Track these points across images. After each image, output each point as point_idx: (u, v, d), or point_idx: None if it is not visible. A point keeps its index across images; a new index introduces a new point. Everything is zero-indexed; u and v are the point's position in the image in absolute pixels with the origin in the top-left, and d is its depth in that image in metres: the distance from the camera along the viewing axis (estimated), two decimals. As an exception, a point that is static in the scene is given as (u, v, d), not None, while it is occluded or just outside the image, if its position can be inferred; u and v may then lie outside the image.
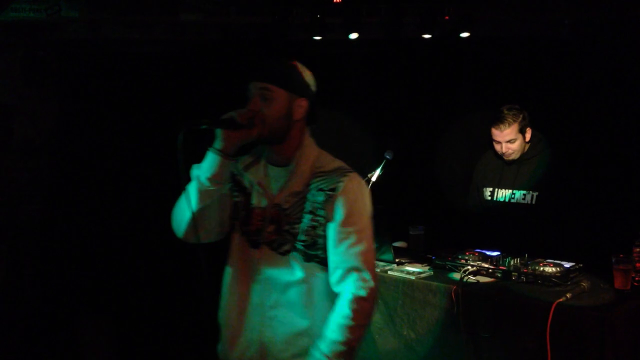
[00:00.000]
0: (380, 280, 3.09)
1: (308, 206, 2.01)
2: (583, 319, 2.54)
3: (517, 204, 3.48)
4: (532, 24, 4.35)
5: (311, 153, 2.08)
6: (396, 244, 3.44)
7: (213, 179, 1.95)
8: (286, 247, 2.02)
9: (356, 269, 1.97)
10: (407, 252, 3.43)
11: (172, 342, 4.33)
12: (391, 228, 3.20)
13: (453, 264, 3.04)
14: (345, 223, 1.98)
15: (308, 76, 2.07)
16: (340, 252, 1.98)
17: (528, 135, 3.48)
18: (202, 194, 1.97)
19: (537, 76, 4.37)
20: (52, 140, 4.36)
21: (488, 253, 3.05)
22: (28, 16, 3.71)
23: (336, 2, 4.00)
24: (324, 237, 2.01)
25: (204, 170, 1.96)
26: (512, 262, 2.97)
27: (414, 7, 4.09)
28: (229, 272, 2.10)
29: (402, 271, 3.07)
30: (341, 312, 1.95)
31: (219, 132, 1.95)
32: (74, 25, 4.03)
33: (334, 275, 2.00)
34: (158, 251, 4.48)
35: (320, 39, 4.19)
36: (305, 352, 1.99)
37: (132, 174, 4.52)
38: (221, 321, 2.10)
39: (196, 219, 1.97)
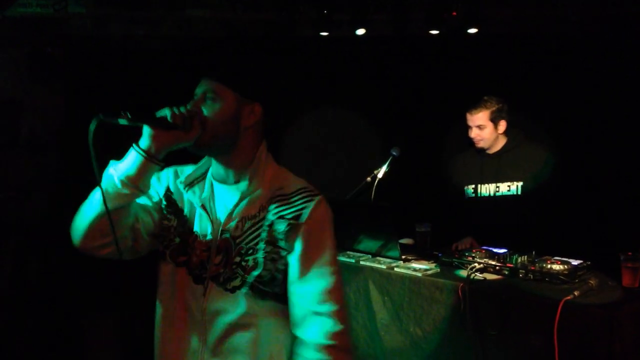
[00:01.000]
0: (387, 276, 3.09)
1: (265, 235, 1.70)
2: (591, 317, 2.53)
3: (503, 196, 3.49)
4: (539, 20, 4.34)
5: (267, 170, 1.76)
6: (402, 241, 3.44)
7: (129, 181, 1.62)
8: (235, 283, 1.69)
9: (323, 313, 1.69)
10: (414, 249, 3.43)
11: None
12: (397, 225, 3.20)
13: (460, 261, 3.03)
14: (310, 257, 1.69)
15: (267, 79, 1.80)
16: (304, 291, 1.70)
17: (501, 128, 3.50)
18: (112, 196, 1.64)
19: (543, 72, 4.35)
20: (59, 136, 4.37)
21: (495, 250, 3.04)
22: (35, 12, 3.71)
23: (343, -2, 4.00)
24: (284, 271, 1.71)
25: (120, 169, 1.64)
26: (519, 260, 2.96)
27: (421, 3, 4.08)
28: (160, 310, 1.82)
29: (408, 268, 3.06)
30: None
31: (146, 129, 1.64)
32: (80, 21, 4.04)
33: (295, 316, 1.72)
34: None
35: (327, 35, 4.18)
36: None
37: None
38: None
39: (99, 223, 1.66)
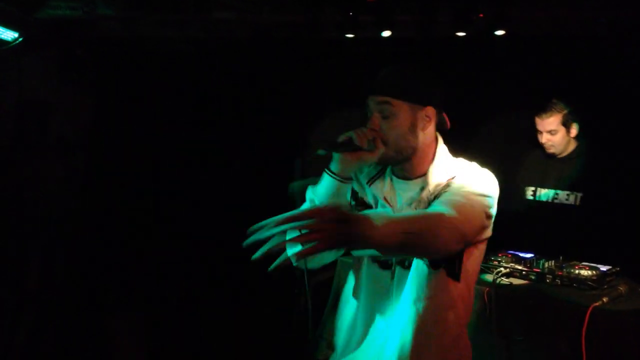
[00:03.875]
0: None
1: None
2: (620, 324, 2.49)
3: (561, 204, 3.40)
4: (568, 22, 4.27)
5: (444, 163, 1.88)
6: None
7: (329, 202, 1.79)
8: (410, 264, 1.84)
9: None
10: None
11: (201, 342, 4.37)
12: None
13: (485, 265, 3.00)
14: (450, 190, 1.79)
15: (431, 79, 1.87)
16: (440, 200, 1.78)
17: (574, 131, 3.38)
18: None
19: (572, 74, 4.29)
20: (88, 137, 4.42)
21: (521, 255, 3.01)
22: (64, 14, 3.76)
23: (369, 1, 3.98)
24: None
25: (319, 194, 1.83)
26: (546, 265, 2.92)
27: (448, 4, 4.04)
28: (349, 295, 1.98)
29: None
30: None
31: (336, 155, 1.80)
32: (109, 22, 4.08)
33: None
34: (191, 249, 4.53)
35: (352, 37, 4.17)
36: None
37: (166, 171, 4.56)
38: (336, 342, 2.03)
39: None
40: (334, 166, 1.81)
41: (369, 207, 1.94)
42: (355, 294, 1.98)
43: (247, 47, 4.46)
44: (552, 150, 3.42)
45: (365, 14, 4.00)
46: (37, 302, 4.10)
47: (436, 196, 1.81)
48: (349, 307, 2.00)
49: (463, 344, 1.93)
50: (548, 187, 3.46)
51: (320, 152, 1.78)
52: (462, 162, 1.92)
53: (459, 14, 4.03)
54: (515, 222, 3.54)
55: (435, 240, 1.63)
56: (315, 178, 1.89)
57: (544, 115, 3.37)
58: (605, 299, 2.58)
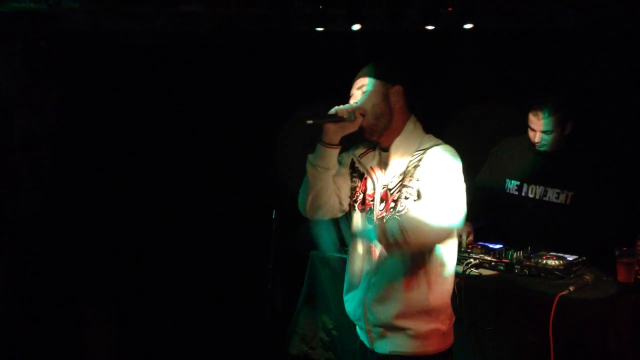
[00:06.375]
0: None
1: (406, 181, 2.26)
2: (586, 312, 2.53)
3: (550, 202, 3.31)
4: (536, 15, 4.31)
5: (412, 137, 2.32)
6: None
7: (321, 165, 2.30)
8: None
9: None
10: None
11: (173, 338, 4.34)
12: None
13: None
14: (422, 187, 2.21)
15: (400, 67, 2.38)
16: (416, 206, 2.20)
17: (568, 129, 3.26)
18: (314, 177, 2.32)
19: (540, 68, 4.34)
20: (53, 132, 4.35)
21: (491, 246, 3.05)
22: (29, 7, 3.68)
23: (339, -7, 3.97)
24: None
25: (313, 158, 2.32)
26: (514, 255, 2.96)
27: (417, -2, 4.06)
28: (351, 245, 2.45)
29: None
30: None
31: (324, 127, 2.26)
32: (74, 16, 4.01)
33: None
34: (159, 245, 4.49)
35: (322, 31, 4.16)
36: (393, 316, 2.27)
37: (132, 166, 4.51)
38: (347, 281, 2.46)
39: (314, 198, 2.34)
40: (322, 136, 2.28)
41: (362, 174, 2.41)
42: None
43: (216, 40, 4.42)
44: (543, 149, 3.29)
45: (335, 7, 4.00)
46: (4, 301, 4.03)
47: (410, 174, 2.26)
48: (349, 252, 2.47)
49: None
50: (536, 184, 3.35)
51: (309, 122, 2.20)
52: (430, 138, 2.33)
53: (427, 7, 4.05)
54: (499, 218, 3.50)
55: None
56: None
57: (540, 114, 3.22)
58: (571, 288, 2.63)
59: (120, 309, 4.35)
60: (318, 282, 3.32)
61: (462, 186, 2.24)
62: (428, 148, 2.28)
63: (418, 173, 2.24)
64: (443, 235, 2.22)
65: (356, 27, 4.09)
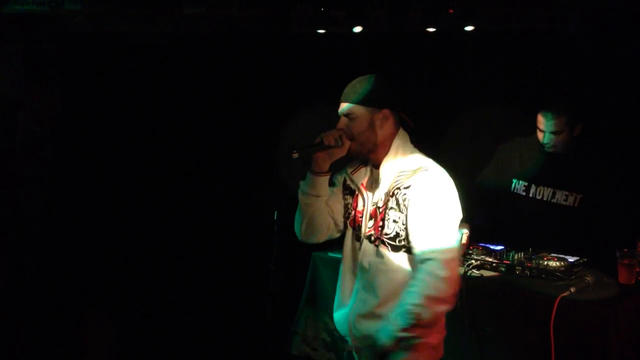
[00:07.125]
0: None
1: (391, 203, 2.27)
2: (587, 314, 2.53)
3: (558, 204, 3.26)
4: (537, 18, 4.32)
5: (399, 153, 2.31)
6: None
7: (312, 193, 2.35)
8: (377, 241, 2.31)
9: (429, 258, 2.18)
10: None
11: (174, 338, 4.34)
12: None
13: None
14: (414, 219, 2.21)
15: (389, 86, 2.32)
16: (413, 239, 2.22)
17: (578, 130, 3.21)
18: (307, 205, 2.37)
19: (542, 70, 4.34)
20: (55, 133, 4.36)
21: (492, 247, 3.04)
22: (31, 9, 3.70)
23: (340, -4, 3.98)
24: (405, 229, 2.24)
25: (304, 186, 2.36)
26: (516, 256, 2.96)
27: (419, 0, 4.07)
28: (342, 261, 2.46)
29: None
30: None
31: (310, 156, 2.29)
32: (76, 18, 4.03)
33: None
34: (160, 246, 4.49)
35: (323, 33, 4.17)
36: (374, 331, 2.26)
37: (134, 167, 4.52)
38: (336, 299, 2.47)
39: (308, 224, 2.39)
40: (311, 165, 2.31)
41: (353, 191, 2.43)
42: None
43: (218, 42, 4.43)
44: (552, 150, 3.24)
45: (337, 10, 4.01)
46: (6, 302, 4.03)
47: (395, 197, 2.27)
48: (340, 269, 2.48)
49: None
50: (544, 185, 3.30)
51: (295, 156, 2.20)
52: (416, 158, 2.32)
53: (428, 9, 4.06)
54: (508, 220, 3.45)
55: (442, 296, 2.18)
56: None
57: (548, 115, 3.16)
58: (572, 289, 2.63)
59: (121, 310, 4.36)
60: (320, 283, 3.32)
61: (454, 214, 2.24)
62: (413, 173, 2.26)
63: (406, 202, 2.23)
64: (454, 279, 2.21)
65: (357, 29, 4.11)
